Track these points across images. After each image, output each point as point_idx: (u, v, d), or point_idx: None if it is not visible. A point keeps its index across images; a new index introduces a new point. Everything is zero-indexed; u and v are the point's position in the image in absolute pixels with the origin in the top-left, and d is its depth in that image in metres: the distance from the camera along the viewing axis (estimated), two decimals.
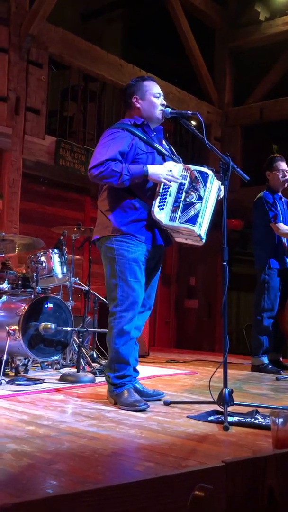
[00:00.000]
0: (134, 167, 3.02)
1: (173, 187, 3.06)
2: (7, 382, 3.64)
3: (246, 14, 9.10)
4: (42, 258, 4.34)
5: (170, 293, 9.28)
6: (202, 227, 3.04)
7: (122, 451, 2.11)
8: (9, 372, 4.05)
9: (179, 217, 3.02)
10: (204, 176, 3.04)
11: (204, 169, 3.07)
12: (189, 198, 3.03)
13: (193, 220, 3.02)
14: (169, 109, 3.20)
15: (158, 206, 3.05)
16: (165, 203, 3.05)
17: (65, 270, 4.49)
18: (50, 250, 4.43)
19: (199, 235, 3.05)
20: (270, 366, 4.90)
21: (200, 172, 3.05)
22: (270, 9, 8.89)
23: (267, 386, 4.15)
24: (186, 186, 3.05)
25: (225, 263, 2.90)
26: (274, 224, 4.82)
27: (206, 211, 3.04)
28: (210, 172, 3.06)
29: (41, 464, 1.87)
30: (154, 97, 3.23)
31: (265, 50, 8.99)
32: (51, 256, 4.41)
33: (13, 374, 4.02)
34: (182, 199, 3.04)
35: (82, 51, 6.89)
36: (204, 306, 9.09)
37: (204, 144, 3.05)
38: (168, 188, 3.06)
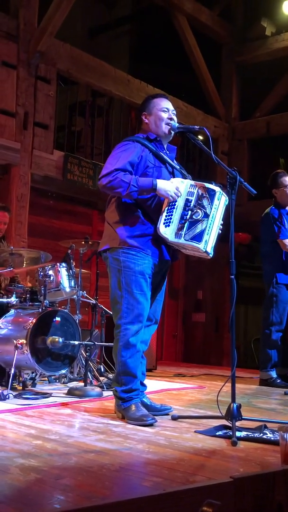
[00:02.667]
0: (143, 179, 3.04)
1: (180, 204, 3.07)
2: (15, 396, 3.63)
3: (252, 29, 9.18)
4: (50, 272, 4.35)
5: (178, 307, 9.27)
6: (208, 244, 3.05)
7: (130, 466, 2.09)
8: (16, 386, 4.05)
9: (185, 234, 3.03)
10: (211, 193, 3.05)
11: (212, 186, 3.08)
12: (195, 215, 3.04)
13: (199, 237, 3.03)
14: (177, 124, 3.22)
15: (164, 223, 3.06)
16: (171, 220, 3.06)
17: (72, 283, 4.50)
18: (57, 264, 4.44)
19: (206, 251, 3.05)
20: (278, 380, 4.87)
21: (207, 189, 3.07)
22: (276, 24, 8.97)
23: (276, 400, 4.13)
24: (192, 203, 3.06)
25: (232, 276, 2.90)
26: (281, 240, 4.84)
27: (212, 228, 3.05)
28: (217, 189, 3.07)
29: (49, 479, 1.87)
30: (161, 111, 3.26)
31: (271, 65, 9.04)
32: (59, 269, 4.42)
33: (21, 388, 4.02)
34: (189, 216, 3.05)
35: (89, 67, 6.96)
36: (211, 320, 9.06)
37: (211, 158, 3.06)
38: (175, 204, 3.07)
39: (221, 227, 3.12)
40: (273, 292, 4.92)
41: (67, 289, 4.47)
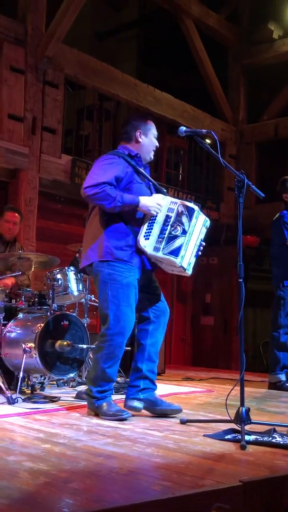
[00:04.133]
0: (127, 196, 3.15)
1: (160, 219, 3.20)
2: (24, 400, 3.64)
3: (259, 32, 9.17)
4: (58, 276, 4.36)
5: (186, 310, 9.25)
6: (184, 259, 3.17)
7: (139, 470, 2.09)
8: (25, 389, 4.05)
9: (163, 248, 3.15)
10: (191, 211, 3.19)
11: (191, 205, 3.22)
12: (174, 231, 3.17)
13: (176, 252, 3.14)
14: (184, 128, 3.23)
15: (144, 236, 3.19)
16: (151, 233, 3.19)
17: (80, 287, 4.51)
18: (66, 268, 4.45)
19: (181, 266, 3.17)
20: (287, 384, 4.85)
21: (187, 207, 3.20)
22: (284, 27, 8.97)
23: (285, 404, 4.11)
24: (172, 219, 3.19)
25: (240, 280, 2.90)
26: None
27: (189, 244, 3.18)
28: (196, 208, 3.22)
29: (57, 482, 1.87)
30: (155, 138, 3.45)
31: (278, 68, 9.03)
32: (67, 273, 4.43)
33: (29, 391, 4.03)
34: (168, 231, 3.18)
35: (97, 71, 6.99)
36: (220, 323, 9.04)
37: (219, 162, 3.07)
38: (155, 219, 3.20)
39: (202, 247, 3.28)
40: (281, 295, 4.94)
41: (75, 293, 4.48)
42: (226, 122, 9.09)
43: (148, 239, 3.18)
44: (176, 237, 3.15)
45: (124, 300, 3.16)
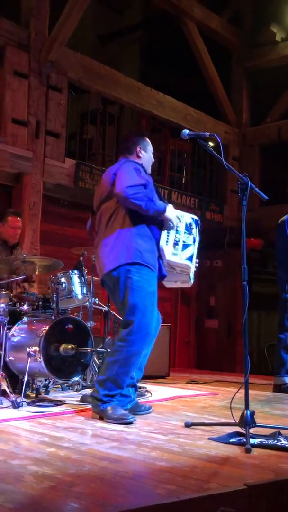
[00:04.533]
0: (159, 201, 3.28)
1: (180, 228, 3.42)
2: (28, 404, 3.64)
3: (262, 34, 9.17)
4: (62, 279, 4.36)
5: (190, 313, 9.24)
6: (193, 268, 3.44)
7: (144, 473, 2.09)
8: (30, 393, 4.06)
9: (180, 254, 3.38)
10: (195, 222, 3.42)
11: (195, 217, 3.49)
12: (187, 240, 3.41)
13: (190, 259, 3.43)
14: (187, 131, 3.24)
15: (166, 241, 3.35)
16: (169, 240, 3.36)
17: (85, 290, 4.52)
18: (70, 271, 4.46)
19: (190, 276, 3.44)
20: None
21: (193, 218, 3.46)
22: (286, 30, 8.96)
23: None
24: (184, 229, 3.43)
25: (244, 282, 2.90)
26: None
27: (195, 253, 3.45)
28: (198, 219, 3.51)
29: (62, 486, 1.87)
30: (152, 154, 3.65)
31: (281, 70, 9.02)
32: (71, 277, 4.43)
33: (34, 395, 4.03)
34: (182, 239, 3.40)
35: (100, 75, 7.00)
36: (224, 326, 9.02)
37: (222, 164, 3.07)
38: (173, 227, 3.37)
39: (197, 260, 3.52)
40: (286, 298, 4.94)
41: (79, 296, 4.48)
42: (229, 125, 9.08)
43: (167, 244, 3.35)
44: (188, 245, 3.39)
45: (149, 308, 3.23)
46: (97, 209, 3.51)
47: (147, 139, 3.65)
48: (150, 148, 3.63)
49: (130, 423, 3.08)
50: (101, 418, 3.18)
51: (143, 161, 3.55)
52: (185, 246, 3.40)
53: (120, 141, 3.64)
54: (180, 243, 3.38)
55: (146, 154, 3.58)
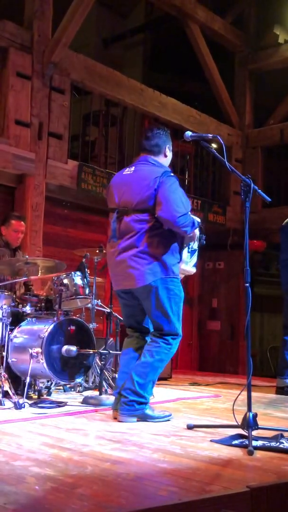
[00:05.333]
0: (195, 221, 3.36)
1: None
2: (30, 405, 3.65)
3: (265, 37, 9.18)
4: (65, 281, 4.36)
5: (193, 315, 9.23)
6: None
7: (146, 475, 2.09)
8: (32, 395, 4.06)
9: (190, 262, 3.50)
10: (197, 224, 3.41)
11: (198, 219, 3.45)
12: (194, 245, 3.50)
13: (195, 264, 3.56)
14: (190, 133, 3.23)
15: (188, 253, 3.49)
16: (186, 251, 3.48)
17: (87, 292, 4.51)
18: (72, 273, 4.46)
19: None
20: None
21: (198, 222, 3.44)
22: None
23: None
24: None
25: (247, 284, 2.89)
26: None
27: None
28: (199, 221, 3.48)
29: (64, 488, 1.87)
30: (172, 153, 3.60)
31: (284, 72, 9.03)
32: (74, 278, 4.43)
33: (36, 397, 4.03)
34: (191, 246, 3.49)
35: (103, 77, 7.01)
36: (226, 328, 9.01)
37: (225, 166, 3.07)
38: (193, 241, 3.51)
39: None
40: None
41: (82, 298, 4.48)
42: (232, 127, 9.08)
43: (189, 260, 3.50)
44: (195, 251, 3.51)
45: (181, 312, 3.41)
46: (121, 209, 3.37)
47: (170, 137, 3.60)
48: (172, 149, 3.59)
49: (170, 419, 3.31)
50: (144, 420, 3.22)
51: (167, 161, 3.51)
52: (193, 252, 3.49)
53: (146, 136, 3.49)
54: (189, 250, 3.49)
55: (170, 154, 3.54)
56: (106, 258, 4.94)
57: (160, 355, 3.29)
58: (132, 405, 3.21)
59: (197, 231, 3.47)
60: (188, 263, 3.49)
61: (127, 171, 3.44)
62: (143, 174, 3.33)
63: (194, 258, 3.54)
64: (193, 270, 3.57)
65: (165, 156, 3.49)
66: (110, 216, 3.49)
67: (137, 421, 3.20)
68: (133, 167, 3.43)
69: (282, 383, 4.89)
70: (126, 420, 3.20)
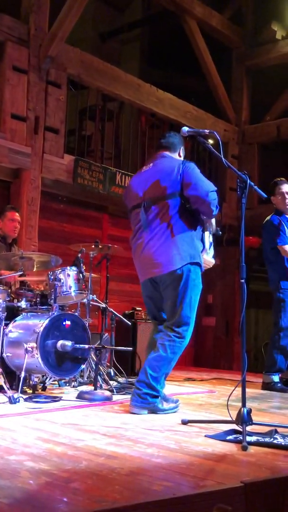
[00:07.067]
0: None
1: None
2: (25, 400, 3.64)
3: (263, 33, 9.17)
4: (60, 276, 4.36)
5: None
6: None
7: (140, 470, 2.09)
8: (27, 389, 4.05)
9: (210, 252, 3.56)
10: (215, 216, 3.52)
11: None
12: (210, 238, 3.57)
13: (214, 256, 3.62)
14: (187, 128, 3.23)
15: (210, 243, 3.57)
16: (208, 241, 3.58)
17: (82, 287, 4.50)
18: (68, 268, 4.45)
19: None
20: (279, 385, 4.91)
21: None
22: (287, 28, 8.95)
23: (287, 405, 4.10)
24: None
25: (242, 280, 2.89)
26: (281, 246, 4.91)
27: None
28: None
29: (59, 482, 1.87)
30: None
31: (282, 68, 9.02)
32: (69, 273, 4.43)
33: (31, 391, 4.03)
34: (212, 239, 3.61)
35: (100, 71, 6.98)
36: (222, 324, 9.03)
37: (222, 162, 3.07)
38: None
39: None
40: (280, 297, 4.97)
41: (77, 293, 4.47)
42: (229, 123, 9.08)
43: (210, 248, 3.57)
44: (211, 243, 3.58)
45: (196, 304, 3.44)
46: (147, 199, 3.44)
47: None
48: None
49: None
50: (153, 412, 3.32)
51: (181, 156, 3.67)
52: (210, 244, 3.58)
53: (163, 136, 3.68)
54: (208, 241, 3.58)
55: (183, 156, 3.69)
56: (101, 253, 4.97)
57: (173, 348, 3.38)
58: (145, 398, 3.31)
59: (213, 221, 3.55)
60: (209, 253, 3.56)
61: (145, 168, 3.60)
62: (165, 165, 3.48)
63: (212, 250, 3.60)
64: (213, 261, 3.63)
65: (179, 156, 3.64)
66: (131, 215, 3.58)
67: (148, 413, 3.32)
68: (151, 164, 3.57)
69: (268, 379, 4.95)
70: (137, 411, 3.30)
